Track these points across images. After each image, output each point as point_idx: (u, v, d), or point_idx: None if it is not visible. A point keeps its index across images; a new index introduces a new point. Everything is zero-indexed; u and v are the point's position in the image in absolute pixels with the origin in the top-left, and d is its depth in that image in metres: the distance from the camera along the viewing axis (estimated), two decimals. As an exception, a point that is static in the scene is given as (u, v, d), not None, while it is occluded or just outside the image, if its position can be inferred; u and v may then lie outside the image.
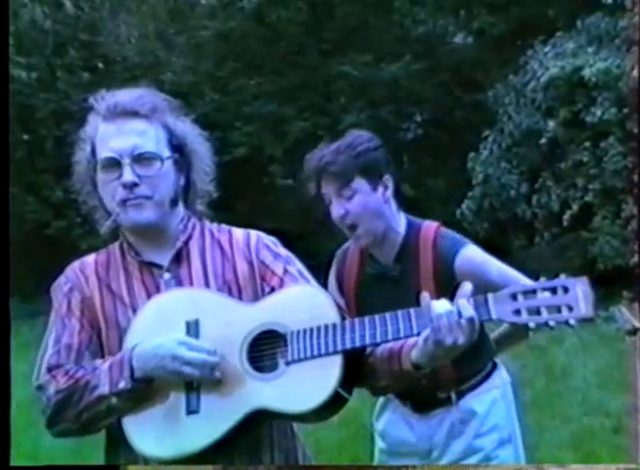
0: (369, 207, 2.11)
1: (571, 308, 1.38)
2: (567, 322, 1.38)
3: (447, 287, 1.96)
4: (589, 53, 8.66)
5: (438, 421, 2.18)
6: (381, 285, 2.17)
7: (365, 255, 2.22)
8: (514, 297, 1.41)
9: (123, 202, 1.59)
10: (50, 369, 1.58)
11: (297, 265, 1.68)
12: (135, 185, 1.58)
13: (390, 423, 2.27)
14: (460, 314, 1.42)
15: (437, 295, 1.92)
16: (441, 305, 1.44)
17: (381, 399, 2.29)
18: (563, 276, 1.41)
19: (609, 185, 8.42)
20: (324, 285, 2.25)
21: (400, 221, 2.18)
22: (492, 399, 2.19)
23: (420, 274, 2.12)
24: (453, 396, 2.16)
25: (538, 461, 3.66)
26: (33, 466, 3.86)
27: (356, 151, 2.09)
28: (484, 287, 1.94)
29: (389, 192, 2.14)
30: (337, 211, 2.11)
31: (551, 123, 8.83)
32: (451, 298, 1.95)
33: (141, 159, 1.59)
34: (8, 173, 2.03)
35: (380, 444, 2.31)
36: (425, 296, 1.47)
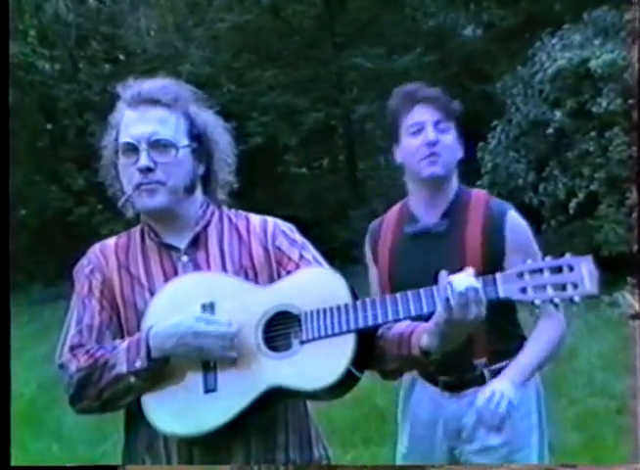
0: (455, 148, 2.21)
1: (576, 286, 1.39)
2: (571, 299, 1.40)
3: (494, 242, 2.12)
4: (595, 45, 8.60)
5: (469, 402, 2.13)
6: (420, 243, 2.20)
7: (405, 215, 2.25)
8: (521, 275, 1.43)
9: (138, 186, 1.61)
10: (72, 348, 1.61)
11: (312, 251, 1.71)
12: (150, 170, 1.60)
13: (418, 405, 2.26)
14: (470, 291, 1.42)
15: (482, 248, 2.11)
16: (461, 283, 1.43)
17: (406, 384, 2.28)
18: (568, 255, 1.42)
19: (614, 174, 8.35)
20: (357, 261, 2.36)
21: (454, 182, 2.25)
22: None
23: (467, 229, 2.15)
24: (487, 373, 2.13)
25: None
26: (33, 466, 3.88)
27: (457, 104, 2.25)
28: (529, 249, 2.09)
29: (461, 154, 2.27)
30: (429, 135, 2.15)
31: (558, 114, 8.76)
32: (495, 256, 2.07)
33: (158, 145, 1.61)
34: (8, 170, 2.06)
35: (406, 427, 2.28)
36: (442, 273, 1.47)
